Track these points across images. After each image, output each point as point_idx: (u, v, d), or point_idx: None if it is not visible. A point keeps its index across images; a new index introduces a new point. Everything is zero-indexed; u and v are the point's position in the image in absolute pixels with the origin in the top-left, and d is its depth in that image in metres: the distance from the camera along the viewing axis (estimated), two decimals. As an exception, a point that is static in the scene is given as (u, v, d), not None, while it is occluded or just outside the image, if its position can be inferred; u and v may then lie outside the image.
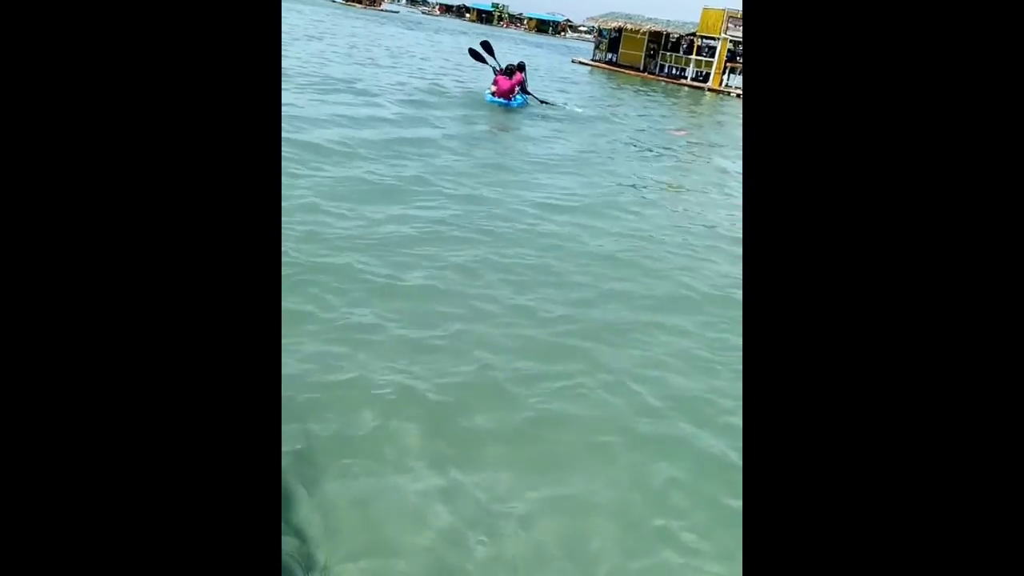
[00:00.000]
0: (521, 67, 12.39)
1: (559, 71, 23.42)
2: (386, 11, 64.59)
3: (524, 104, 12.46)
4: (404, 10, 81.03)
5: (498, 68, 12.36)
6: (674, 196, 7.84)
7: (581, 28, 74.44)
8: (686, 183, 8.69)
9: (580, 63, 30.11)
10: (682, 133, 13.08)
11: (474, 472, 2.52)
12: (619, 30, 29.51)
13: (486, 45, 13.06)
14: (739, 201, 6.05)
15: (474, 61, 13.17)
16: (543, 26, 77.10)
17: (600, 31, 31.85)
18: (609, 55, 30.47)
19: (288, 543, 2.07)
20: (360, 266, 4.19)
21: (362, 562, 2.08)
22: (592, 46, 34.87)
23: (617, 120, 13.18)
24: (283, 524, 2.13)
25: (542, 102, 13.14)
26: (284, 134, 7.15)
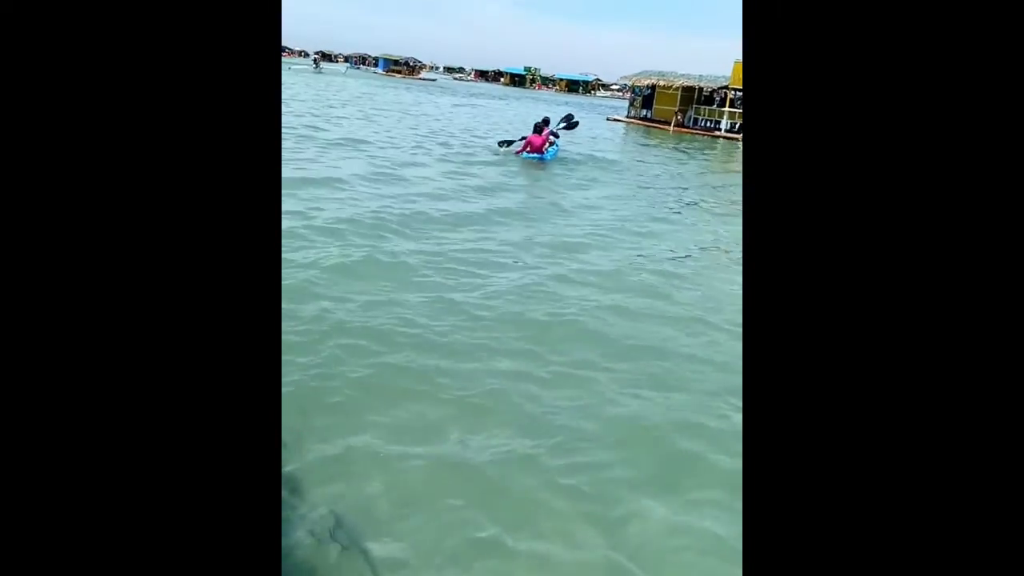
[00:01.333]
0: (546, 122, 13.23)
1: (594, 129, 23.73)
2: (424, 79, 67.18)
3: (556, 156, 12.88)
4: (441, 78, 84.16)
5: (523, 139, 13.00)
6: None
7: (613, 87, 76.02)
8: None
9: (615, 120, 30.59)
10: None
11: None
12: (652, 87, 30.04)
13: (504, 144, 13.51)
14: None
15: (500, 147, 13.53)
16: (574, 86, 79.24)
17: (633, 89, 32.46)
18: (644, 111, 30.95)
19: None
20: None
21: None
22: (623, 104, 35.39)
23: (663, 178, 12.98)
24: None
25: (567, 127, 14.41)
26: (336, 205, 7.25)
